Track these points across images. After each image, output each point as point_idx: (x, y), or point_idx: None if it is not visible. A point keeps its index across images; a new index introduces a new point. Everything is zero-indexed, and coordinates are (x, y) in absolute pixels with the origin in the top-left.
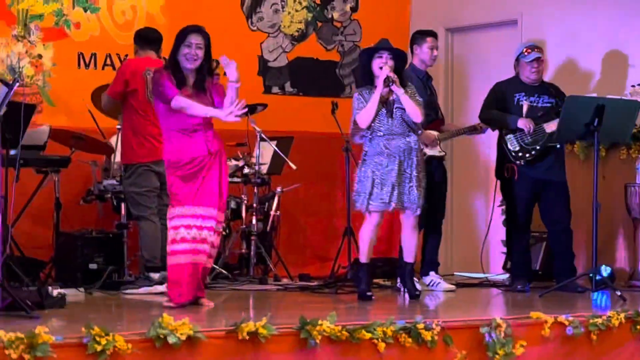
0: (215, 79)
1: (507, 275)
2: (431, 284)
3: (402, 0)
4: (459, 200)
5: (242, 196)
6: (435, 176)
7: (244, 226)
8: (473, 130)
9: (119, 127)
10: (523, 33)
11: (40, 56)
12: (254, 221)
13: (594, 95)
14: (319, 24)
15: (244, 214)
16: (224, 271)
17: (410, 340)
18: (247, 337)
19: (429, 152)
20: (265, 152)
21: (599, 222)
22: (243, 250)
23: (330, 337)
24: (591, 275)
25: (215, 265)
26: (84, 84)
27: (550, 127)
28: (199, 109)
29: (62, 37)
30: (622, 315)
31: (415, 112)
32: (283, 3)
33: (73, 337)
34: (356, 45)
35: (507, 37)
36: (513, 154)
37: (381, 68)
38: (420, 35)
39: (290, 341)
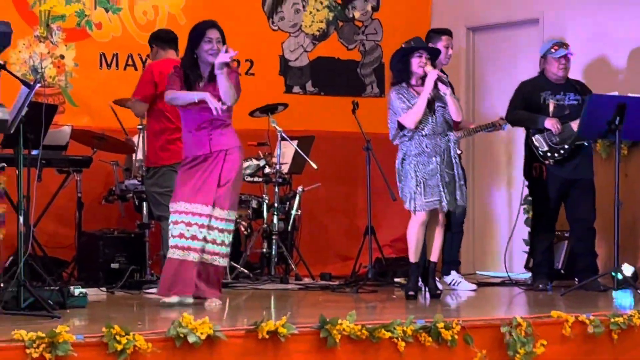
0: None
1: (529, 274)
2: (452, 283)
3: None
4: (480, 199)
5: (264, 196)
6: None
7: (266, 225)
8: (492, 127)
9: (139, 127)
10: (545, 31)
11: (62, 57)
12: (275, 220)
13: (616, 93)
14: (340, 24)
15: (265, 214)
16: (245, 270)
17: (430, 339)
18: (267, 337)
19: None
20: (286, 151)
21: (621, 220)
22: (264, 250)
23: (350, 336)
24: (613, 274)
25: (236, 265)
26: (106, 84)
27: (577, 125)
28: (186, 96)
29: (84, 37)
30: None
31: (457, 111)
32: (304, 3)
33: (94, 336)
34: (377, 44)
35: (528, 35)
36: (542, 153)
37: (423, 68)
38: (435, 34)
39: (310, 340)
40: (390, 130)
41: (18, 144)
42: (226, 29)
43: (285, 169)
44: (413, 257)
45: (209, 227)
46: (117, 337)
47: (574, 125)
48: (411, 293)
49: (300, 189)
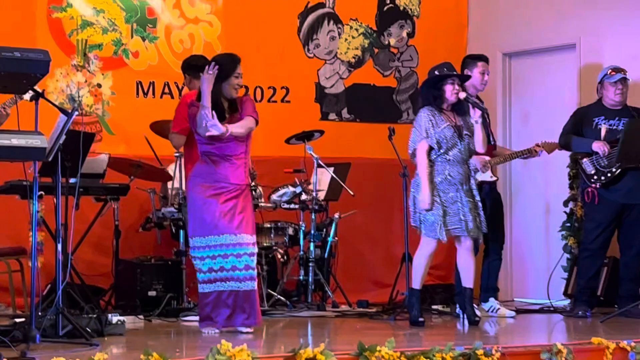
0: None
1: (567, 300)
2: (491, 310)
3: (459, 25)
4: (517, 225)
5: (300, 223)
6: (487, 201)
7: (302, 253)
8: (528, 153)
9: (176, 154)
10: (582, 57)
11: (99, 85)
12: (311, 247)
13: None
14: (376, 50)
15: (302, 241)
16: (282, 298)
17: None
18: None
19: (480, 177)
20: (322, 178)
21: None
22: (301, 277)
23: None
24: None
25: (273, 292)
26: (143, 112)
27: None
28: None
29: (121, 66)
30: None
31: (482, 142)
32: (340, 30)
33: None
34: (413, 70)
35: (565, 61)
36: (589, 177)
37: (457, 95)
38: (471, 60)
39: None
40: (410, 148)
41: (56, 172)
42: (262, 56)
43: (321, 195)
44: (416, 284)
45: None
46: None
47: None
48: (421, 320)
49: (336, 215)
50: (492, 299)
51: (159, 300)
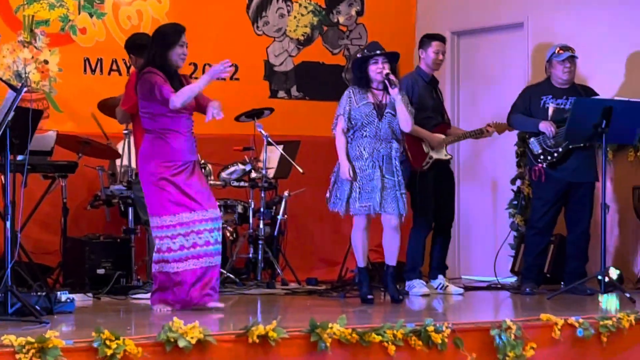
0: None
1: (514, 278)
2: (439, 287)
3: (408, 4)
4: (464, 203)
5: (249, 200)
6: (441, 180)
7: (251, 230)
8: (480, 133)
9: (125, 132)
10: (529, 36)
11: (46, 62)
12: (261, 225)
13: (601, 97)
14: (325, 28)
15: (251, 219)
16: (231, 275)
17: (420, 342)
18: (258, 341)
19: (435, 155)
20: (272, 156)
21: (607, 224)
22: (250, 255)
23: (341, 340)
24: (599, 277)
25: (222, 270)
26: (90, 89)
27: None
28: (192, 89)
29: (68, 42)
30: (633, 316)
31: (407, 120)
32: (289, 7)
33: (83, 341)
34: (362, 49)
35: (513, 40)
36: (536, 156)
37: (383, 74)
38: (427, 39)
39: (300, 344)
40: (333, 125)
41: (4, 149)
42: (210, 34)
43: (271, 173)
44: (360, 262)
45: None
46: (107, 342)
47: None
48: (370, 297)
49: (286, 193)
50: (440, 276)
51: (108, 278)
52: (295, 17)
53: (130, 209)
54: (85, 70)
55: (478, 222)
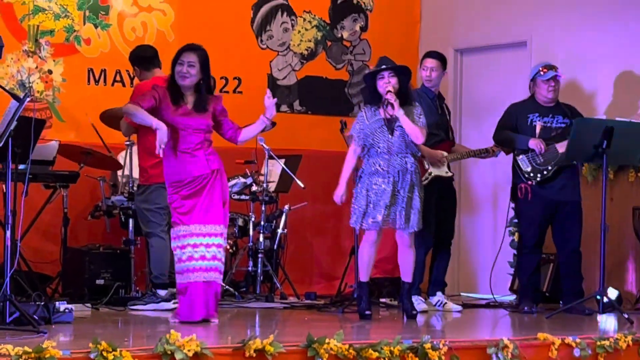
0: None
1: (514, 296)
2: (438, 304)
3: (412, 21)
4: (465, 220)
5: (250, 214)
6: (442, 196)
7: (251, 244)
8: (485, 152)
9: (127, 143)
10: (533, 55)
11: (50, 72)
12: (261, 239)
13: (604, 117)
14: (329, 43)
15: (251, 232)
16: (230, 288)
17: (417, 359)
18: (254, 355)
19: (435, 172)
20: (273, 170)
21: (607, 244)
22: (250, 268)
23: (337, 356)
24: (598, 297)
25: (221, 283)
26: (94, 99)
27: (563, 147)
28: (144, 118)
29: (73, 52)
30: (630, 337)
31: (414, 133)
32: (293, 22)
33: (80, 352)
34: (365, 64)
35: (516, 58)
36: (525, 174)
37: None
38: (424, 57)
39: (297, 359)
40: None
41: (6, 158)
42: (215, 47)
43: (272, 187)
44: (363, 276)
45: (223, 247)
46: (104, 353)
47: (559, 146)
48: (367, 312)
49: (286, 207)
50: (439, 293)
51: (107, 288)
52: (299, 31)
53: (130, 220)
54: (88, 80)
55: (479, 240)
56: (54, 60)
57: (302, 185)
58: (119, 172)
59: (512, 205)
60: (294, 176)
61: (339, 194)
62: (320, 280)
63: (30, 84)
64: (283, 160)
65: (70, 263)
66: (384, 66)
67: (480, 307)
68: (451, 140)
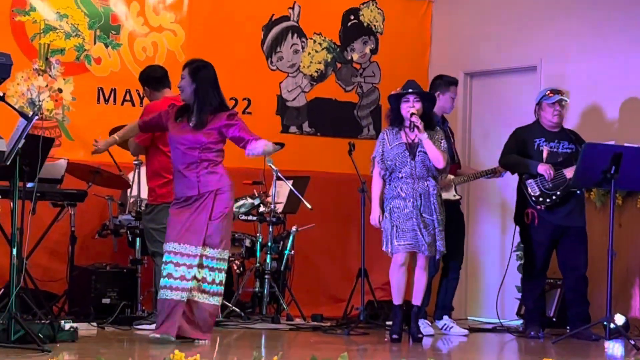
0: (230, 117)
1: (521, 321)
2: (444, 328)
3: (422, 44)
4: (473, 244)
5: (257, 234)
6: (451, 220)
7: (258, 264)
8: (492, 173)
9: (135, 162)
10: (542, 79)
11: (60, 90)
12: (268, 260)
13: (612, 142)
14: (339, 65)
15: (258, 253)
16: (236, 309)
17: None
18: None
19: (443, 195)
20: (281, 191)
21: (614, 270)
22: (256, 289)
23: None
24: (605, 323)
25: (227, 303)
26: (103, 119)
27: (571, 172)
28: (130, 129)
29: (83, 71)
30: None
31: (436, 158)
32: (303, 43)
33: None
34: (375, 87)
35: (526, 82)
36: (533, 198)
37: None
38: (444, 83)
39: None
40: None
41: (14, 176)
42: (225, 67)
43: (279, 208)
44: (395, 299)
45: (200, 266)
46: None
47: (567, 172)
48: (395, 336)
49: (294, 228)
50: (445, 317)
51: (113, 308)
52: (309, 53)
53: (137, 240)
54: (98, 99)
55: (486, 264)
56: (64, 79)
57: (309, 206)
58: (128, 192)
59: (518, 229)
60: (301, 197)
61: (375, 217)
62: (327, 302)
63: (40, 103)
64: (291, 181)
65: (76, 281)
66: (410, 90)
67: (487, 331)
68: (457, 163)
